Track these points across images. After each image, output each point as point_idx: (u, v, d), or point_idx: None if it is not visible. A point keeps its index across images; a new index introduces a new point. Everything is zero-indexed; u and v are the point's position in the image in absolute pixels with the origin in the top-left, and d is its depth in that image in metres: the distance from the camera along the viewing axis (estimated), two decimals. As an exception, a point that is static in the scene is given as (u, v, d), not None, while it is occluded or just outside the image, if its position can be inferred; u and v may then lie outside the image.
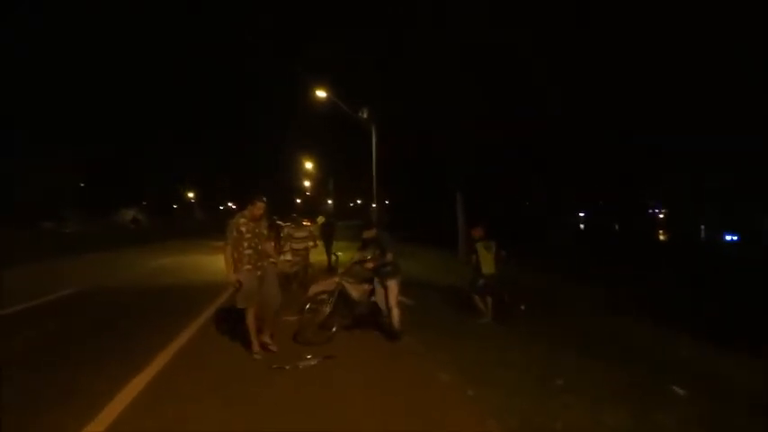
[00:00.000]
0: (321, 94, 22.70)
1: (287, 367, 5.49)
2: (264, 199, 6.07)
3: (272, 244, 6.30)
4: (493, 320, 8.11)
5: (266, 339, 6.08)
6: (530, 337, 7.08)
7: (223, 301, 9.48)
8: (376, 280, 6.91)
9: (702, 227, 44.47)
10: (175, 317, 8.04)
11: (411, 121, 21.64)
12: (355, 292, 7.32)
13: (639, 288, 13.72)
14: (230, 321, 7.49)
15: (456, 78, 17.87)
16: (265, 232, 6.17)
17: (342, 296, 7.10)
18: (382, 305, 6.82)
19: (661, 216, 50.68)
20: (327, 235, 15.84)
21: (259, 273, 5.96)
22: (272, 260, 6.46)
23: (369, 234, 6.82)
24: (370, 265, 6.75)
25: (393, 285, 6.64)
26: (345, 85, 23.63)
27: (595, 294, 11.40)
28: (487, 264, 8.32)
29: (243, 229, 5.93)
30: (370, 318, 7.11)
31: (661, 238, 47.44)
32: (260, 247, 6.01)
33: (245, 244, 5.91)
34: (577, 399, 4.77)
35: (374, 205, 23.22)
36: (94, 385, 4.97)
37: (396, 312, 6.62)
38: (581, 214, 50.44)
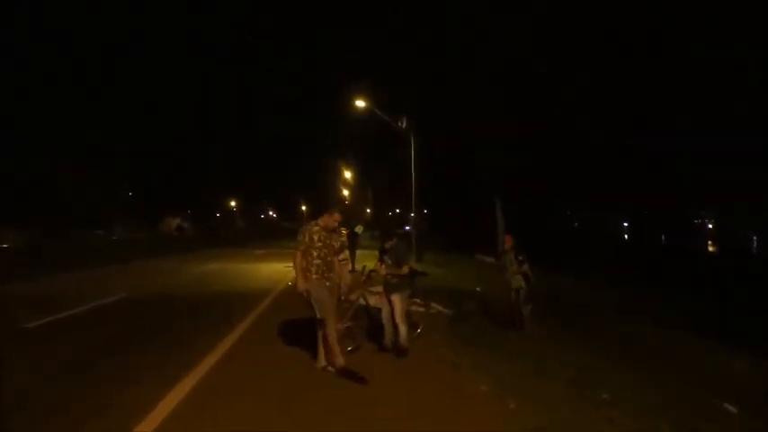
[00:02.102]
0: (360, 103, 22.94)
1: (330, 369, 5.56)
2: (340, 210, 5.96)
3: (341, 257, 6.10)
4: (520, 332, 8.02)
5: (323, 361, 5.83)
6: (571, 349, 6.94)
7: (264, 309, 9.66)
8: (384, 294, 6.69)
9: (755, 238, 42.56)
10: (218, 323, 8.22)
11: (450, 130, 21.64)
12: (373, 299, 7.35)
13: (685, 302, 13.26)
14: (272, 328, 7.65)
15: (495, 90, 17.84)
16: (336, 245, 5.97)
17: (364, 306, 7.16)
18: (387, 321, 6.57)
19: (710, 226, 48.77)
20: (351, 243, 16.34)
21: (327, 284, 5.75)
22: (348, 268, 6.37)
23: (388, 244, 6.74)
24: (383, 271, 6.63)
25: (397, 300, 6.38)
26: (385, 94, 23.83)
27: (638, 307, 11.08)
28: (512, 276, 8.32)
29: (315, 237, 5.77)
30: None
31: (710, 249, 45.63)
32: (329, 259, 5.81)
33: (315, 253, 5.74)
34: (621, 413, 4.65)
35: (412, 214, 23.23)
36: (135, 396, 5.11)
37: (403, 329, 6.38)
38: (625, 224, 49.02)
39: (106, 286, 12.99)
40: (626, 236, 48.40)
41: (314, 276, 5.68)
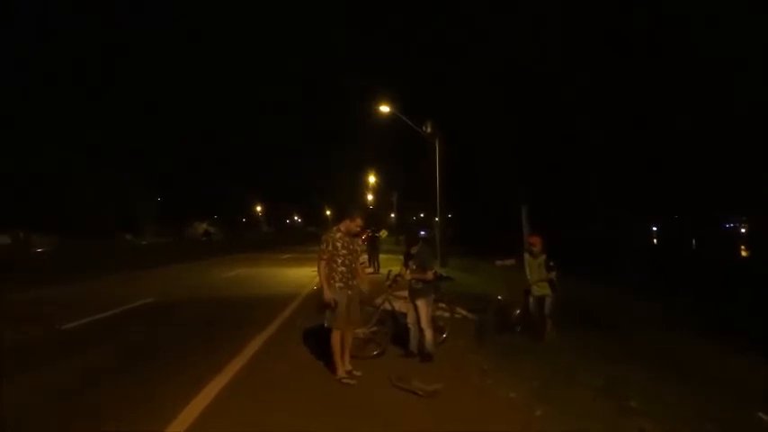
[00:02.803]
0: (384, 108, 23.01)
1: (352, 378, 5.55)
2: (361, 215, 5.86)
3: (362, 263, 6.04)
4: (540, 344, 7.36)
5: (348, 366, 5.75)
6: (600, 358, 6.79)
7: (290, 313, 9.74)
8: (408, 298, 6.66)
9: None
10: (244, 326, 8.30)
11: (474, 135, 21.54)
12: (398, 304, 7.33)
13: (715, 311, 12.90)
14: (298, 332, 7.72)
15: (517, 94, 17.75)
16: (359, 250, 5.95)
17: (389, 311, 7.15)
18: (412, 326, 6.53)
19: (743, 230, 47.39)
20: (372, 247, 16.52)
21: (350, 292, 5.67)
22: (368, 272, 6.35)
23: (413, 249, 6.72)
24: (408, 276, 6.61)
25: (422, 305, 6.36)
26: (409, 99, 23.87)
27: (669, 316, 10.78)
28: (537, 282, 7.52)
29: (338, 244, 5.67)
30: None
31: (743, 254, 44.31)
32: (354, 266, 5.75)
33: (339, 260, 5.64)
34: (654, 424, 4.54)
35: (437, 219, 23.15)
36: (164, 398, 5.18)
37: (428, 334, 6.35)
38: (653, 228, 47.96)
39: (136, 290, 13.23)
40: (655, 240, 47.40)
41: (338, 285, 5.61)
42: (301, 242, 48.73)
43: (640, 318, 10.11)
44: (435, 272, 6.91)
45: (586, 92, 17.77)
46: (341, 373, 5.62)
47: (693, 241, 44.50)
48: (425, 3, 22.93)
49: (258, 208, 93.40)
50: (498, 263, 8.47)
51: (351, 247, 5.74)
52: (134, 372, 6.03)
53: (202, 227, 68.00)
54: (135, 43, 77.10)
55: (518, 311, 7.97)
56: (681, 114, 18.89)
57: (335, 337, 5.61)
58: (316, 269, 7.05)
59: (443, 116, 21.19)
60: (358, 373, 5.66)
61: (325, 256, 5.66)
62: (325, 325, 5.66)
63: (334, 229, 5.86)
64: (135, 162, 49.81)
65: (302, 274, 17.29)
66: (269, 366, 6.17)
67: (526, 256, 7.71)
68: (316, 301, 9.37)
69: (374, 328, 7.01)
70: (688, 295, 13.72)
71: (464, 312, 9.26)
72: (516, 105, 18.07)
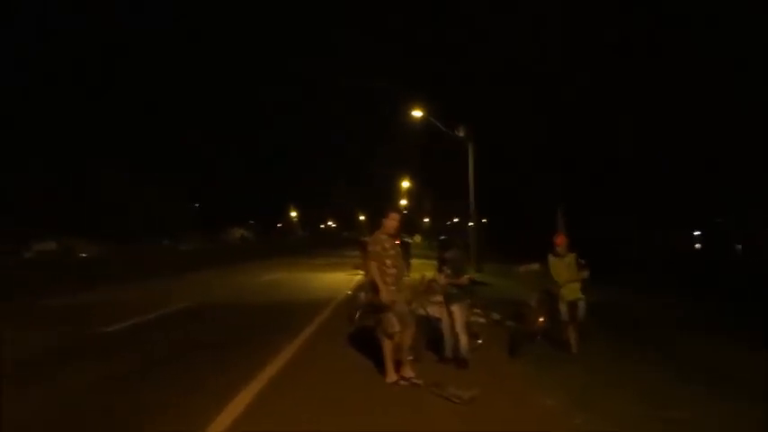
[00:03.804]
0: (417, 113, 22.96)
1: (403, 382, 5.51)
2: (398, 211, 5.83)
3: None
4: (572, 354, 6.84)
5: (410, 373, 5.62)
6: (639, 365, 6.58)
7: (327, 317, 9.78)
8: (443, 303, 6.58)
9: None
10: (281, 331, 8.37)
11: (508, 139, 21.34)
12: (432, 309, 7.25)
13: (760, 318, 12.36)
14: (335, 336, 7.74)
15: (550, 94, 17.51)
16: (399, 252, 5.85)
17: (423, 316, 7.08)
18: (447, 331, 6.44)
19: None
20: (403, 252, 16.32)
21: (400, 294, 5.65)
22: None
23: (448, 254, 6.65)
24: (444, 281, 6.54)
25: (458, 310, 6.26)
26: (443, 102, 23.82)
27: (711, 323, 10.33)
28: (566, 284, 6.85)
29: (387, 245, 5.61)
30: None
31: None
32: (401, 267, 5.71)
33: (389, 262, 5.56)
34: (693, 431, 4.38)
35: (471, 224, 22.95)
36: (204, 397, 5.24)
37: (464, 339, 6.25)
38: (696, 233, 46.34)
39: (174, 294, 13.53)
40: (697, 245, 45.79)
41: (391, 288, 5.52)
42: (336, 247, 48.99)
43: (680, 324, 9.75)
44: (470, 277, 6.83)
45: (625, 92, 17.43)
46: (392, 377, 5.54)
47: (739, 246, 42.76)
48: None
49: (293, 213, 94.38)
50: (522, 269, 7.57)
51: (397, 248, 5.71)
52: (171, 374, 6.15)
53: (238, 232, 69.01)
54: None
55: (541, 319, 7.16)
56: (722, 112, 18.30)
57: (390, 342, 5.53)
58: (350, 273, 7.01)
59: (476, 120, 21.06)
60: (419, 381, 5.50)
61: (375, 258, 5.58)
62: (380, 333, 5.56)
63: (377, 232, 5.79)
64: (171, 168, 50.84)
65: (337, 279, 17.35)
66: (306, 370, 6.20)
67: (550, 258, 7.04)
68: (347, 308, 9.40)
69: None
70: (731, 301, 13.21)
71: (499, 318, 9.13)
72: (549, 106, 17.85)
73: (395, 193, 55.30)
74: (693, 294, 13.66)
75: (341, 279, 16.92)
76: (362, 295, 9.40)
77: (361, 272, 9.60)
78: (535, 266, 7.22)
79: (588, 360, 6.61)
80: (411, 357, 6.35)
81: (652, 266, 21.06)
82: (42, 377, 6.06)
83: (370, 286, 5.86)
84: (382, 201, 53.64)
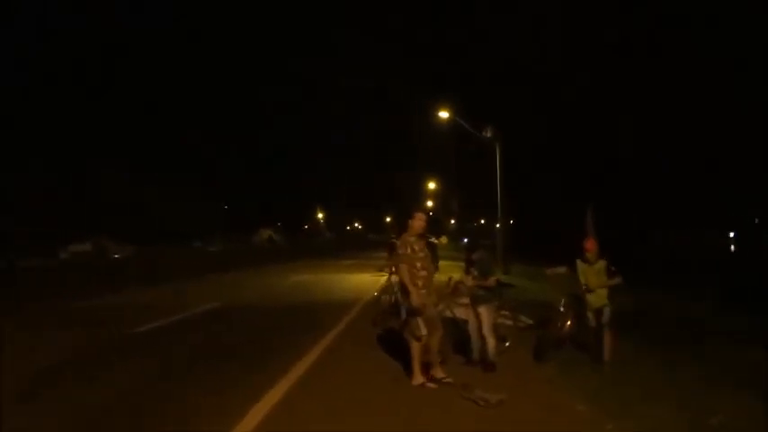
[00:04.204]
0: (444, 114, 22.86)
1: (430, 384, 5.47)
2: (424, 210, 5.74)
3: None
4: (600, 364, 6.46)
5: (441, 373, 5.59)
6: (674, 371, 6.38)
7: (353, 318, 9.81)
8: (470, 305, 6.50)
9: None
10: (309, 331, 8.39)
11: (536, 138, 21.10)
12: (459, 311, 7.18)
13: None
14: (362, 337, 7.75)
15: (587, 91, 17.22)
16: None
17: (450, 318, 7.02)
18: (474, 333, 6.35)
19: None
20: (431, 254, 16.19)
21: (430, 297, 5.61)
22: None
23: (475, 255, 6.58)
24: (471, 283, 6.46)
25: (485, 312, 6.17)
26: (470, 104, 23.68)
27: (748, 328, 9.97)
28: (595, 291, 6.49)
29: (416, 247, 5.56)
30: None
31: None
32: (431, 269, 5.66)
33: (419, 264, 5.50)
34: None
35: (498, 226, 22.75)
36: (232, 398, 5.29)
37: (491, 342, 6.14)
38: (731, 234, 45.05)
39: (203, 295, 13.73)
40: (732, 247, 44.52)
41: (422, 291, 5.47)
42: (362, 248, 49.12)
43: (716, 329, 9.44)
44: (497, 278, 6.75)
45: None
46: (419, 379, 5.50)
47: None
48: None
49: (320, 215, 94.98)
50: (548, 272, 7.22)
51: (426, 250, 5.65)
52: (199, 374, 6.22)
53: (267, 233, 69.72)
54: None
55: (568, 323, 6.74)
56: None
57: (417, 344, 5.48)
58: (374, 275, 6.99)
59: (504, 120, 20.88)
60: (450, 380, 5.49)
61: (405, 260, 5.52)
62: (408, 335, 5.53)
63: (405, 234, 5.73)
64: (201, 170, 51.54)
65: (363, 280, 17.38)
66: (333, 371, 6.21)
67: (579, 263, 6.69)
68: (373, 311, 9.39)
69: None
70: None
71: (528, 321, 9.02)
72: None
73: (421, 195, 55.16)
74: (727, 298, 13.24)
75: (367, 280, 16.92)
76: (385, 298, 9.39)
77: (385, 273, 9.54)
78: (562, 270, 6.94)
79: (618, 366, 6.44)
80: (440, 359, 6.33)
81: (685, 268, 20.54)
82: (72, 381, 6.16)
83: (401, 288, 5.82)
84: (408, 202, 53.62)
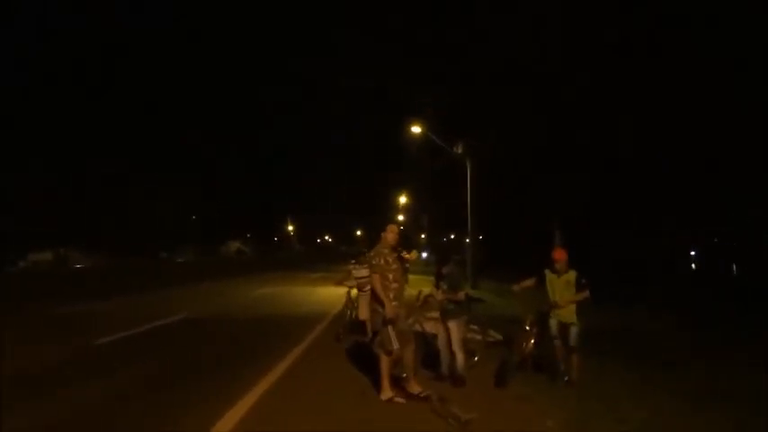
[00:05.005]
0: (416, 129, 23.00)
1: (399, 399, 5.39)
2: (396, 223, 5.73)
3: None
4: (566, 383, 6.21)
5: (416, 388, 5.55)
6: (643, 389, 6.39)
7: (320, 332, 9.67)
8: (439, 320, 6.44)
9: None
10: (275, 345, 8.24)
11: (506, 155, 21.35)
12: (429, 325, 7.16)
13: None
14: (329, 352, 7.64)
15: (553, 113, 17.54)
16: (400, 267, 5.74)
17: (419, 332, 6.97)
18: (443, 348, 6.27)
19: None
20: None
21: (401, 310, 5.56)
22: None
23: (444, 269, 6.57)
24: (440, 296, 6.44)
25: (454, 326, 6.14)
26: (442, 119, 23.90)
27: (717, 346, 10.11)
28: (561, 304, 6.28)
29: (389, 259, 5.54)
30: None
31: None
32: (402, 282, 5.65)
33: (391, 276, 5.49)
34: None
35: (468, 240, 22.91)
36: (201, 413, 5.13)
37: (460, 356, 6.10)
38: (692, 253, 46.12)
39: (169, 306, 13.38)
40: (693, 266, 45.61)
41: (394, 303, 5.42)
42: (332, 261, 48.83)
43: (684, 347, 9.58)
44: (466, 293, 6.74)
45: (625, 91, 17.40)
46: (387, 393, 5.42)
47: (734, 267, 42.61)
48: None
49: (290, 227, 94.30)
50: (516, 288, 6.80)
51: (398, 262, 5.63)
52: (165, 387, 6.01)
53: (235, 245, 68.95)
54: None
55: (531, 342, 6.47)
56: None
57: (387, 358, 5.42)
58: (345, 288, 6.92)
59: (477, 135, 21.08)
60: (428, 393, 5.43)
61: (378, 270, 5.49)
62: (378, 348, 5.45)
63: (379, 245, 5.70)
64: (171, 168, 50.69)
65: (333, 293, 17.21)
66: (301, 384, 6.09)
67: (548, 273, 6.47)
68: (336, 327, 9.25)
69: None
70: (731, 322, 13.08)
71: (497, 336, 9.03)
72: (545, 113, 17.91)
73: (392, 208, 55.26)
74: (706, 318, 13.47)
75: (336, 293, 16.76)
76: (347, 312, 9.25)
77: (346, 286, 9.32)
78: (530, 282, 6.65)
79: (585, 384, 6.45)
80: (405, 374, 6.23)
81: (652, 283, 20.88)
82: (43, 391, 5.90)
83: (373, 300, 5.72)
84: (380, 216, 53.66)
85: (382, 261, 5.52)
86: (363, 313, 7.21)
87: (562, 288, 6.30)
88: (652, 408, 5.52)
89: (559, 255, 6.42)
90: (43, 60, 55.20)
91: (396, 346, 5.35)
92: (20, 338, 9.28)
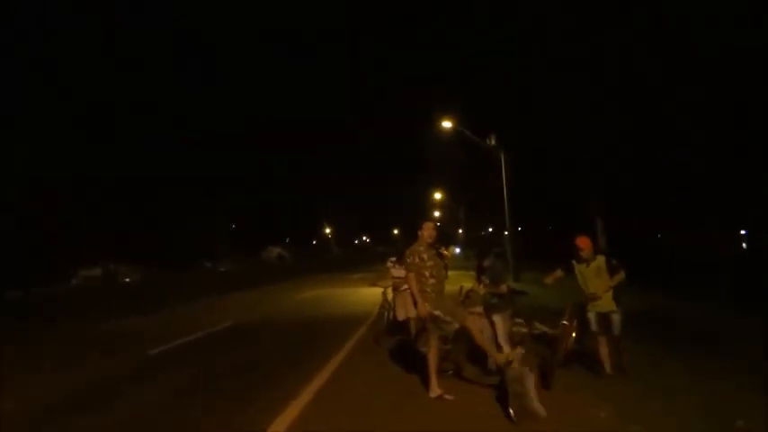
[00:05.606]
0: (447, 124, 22.90)
1: (448, 396, 5.41)
2: (432, 220, 5.78)
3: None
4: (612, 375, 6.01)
5: (437, 390, 5.52)
6: (696, 375, 6.24)
7: (365, 332, 9.77)
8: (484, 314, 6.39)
9: None
10: (321, 347, 8.38)
11: (543, 145, 21.05)
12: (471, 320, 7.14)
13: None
14: (374, 350, 7.73)
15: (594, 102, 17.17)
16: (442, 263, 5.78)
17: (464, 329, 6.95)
18: (488, 342, 6.06)
19: None
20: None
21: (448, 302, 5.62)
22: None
23: (485, 263, 6.53)
24: (483, 290, 6.40)
25: (499, 321, 6.15)
26: (474, 111, 23.74)
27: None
28: (596, 293, 5.98)
29: (424, 256, 5.58)
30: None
31: None
32: (442, 278, 5.66)
33: (427, 273, 5.53)
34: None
35: (506, 233, 22.68)
36: (255, 415, 5.28)
37: (507, 350, 6.04)
38: (742, 232, 44.21)
39: (216, 315, 13.72)
40: (744, 245, 43.71)
41: (431, 295, 5.48)
42: (370, 262, 49.02)
43: (739, 334, 9.27)
44: (509, 286, 6.71)
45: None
46: (436, 391, 5.45)
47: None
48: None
49: (327, 230, 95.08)
50: (547, 280, 6.48)
51: (436, 259, 5.64)
52: (217, 393, 6.19)
53: (275, 251, 69.78)
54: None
55: (567, 341, 6.38)
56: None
57: (434, 353, 5.49)
58: (381, 287, 7.02)
59: (511, 127, 20.88)
60: (450, 397, 5.42)
61: (413, 269, 5.56)
62: (422, 346, 5.58)
63: (416, 244, 5.74)
64: (207, 190, 51.61)
65: (373, 293, 17.26)
66: (353, 383, 6.24)
67: (575, 264, 6.19)
68: (375, 329, 9.29)
69: (449, 346, 6.86)
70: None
71: (543, 328, 8.93)
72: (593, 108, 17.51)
73: (428, 205, 55.15)
74: (740, 301, 13.04)
75: (375, 293, 16.88)
76: (386, 314, 9.25)
77: (381, 287, 9.32)
78: (559, 274, 6.39)
79: (642, 371, 6.31)
80: (451, 371, 6.24)
81: (697, 269, 20.21)
82: (100, 403, 6.12)
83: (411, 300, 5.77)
84: (415, 214, 53.60)
85: (417, 259, 5.57)
86: (401, 313, 7.24)
87: (593, 276, 6.01)
88: (707, 393, 5.40)
89: (583, 242, 6.09)
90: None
91: (434, 342, 5.43)
92: (79, 352, 9.69)
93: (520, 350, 6.15)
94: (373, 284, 9.74)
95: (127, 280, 35.33)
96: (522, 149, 21.25)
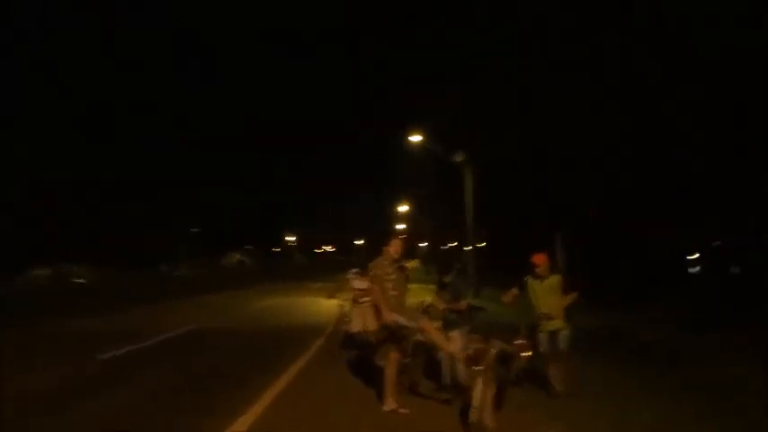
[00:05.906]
0: (415, 138, 23.00)
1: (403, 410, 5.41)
2: (400, 237, 5.82)
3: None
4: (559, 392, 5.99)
5: (392, 404, 5.52)
6: (645, 390, 6.41)
7: (323, 343, 9.69)
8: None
9: None
10: (279, 355, 8.28)
11: (505, 159, 21.36)
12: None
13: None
14: (330, 363, 7.69)
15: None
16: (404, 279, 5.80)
17: (421, 343, 6.98)
18: (445, 358, 6.14)
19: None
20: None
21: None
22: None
23: (446, 278, 6.58)
24: (442, 306, 6.44)
25: (457, 337, 6.16)
26: (441, 126, 23.93)
27: (722, 349, 10.05)
28: (549, 309, 6.00)
29: (389, 270, 5.63)
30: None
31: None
32: (403, 292, 5.69)
33: (390, 285, 5.57)
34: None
35: (470, 247, 22.91)
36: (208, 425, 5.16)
37: (461, 367, 5.94)
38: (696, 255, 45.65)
39: (170, 320, 13.37)
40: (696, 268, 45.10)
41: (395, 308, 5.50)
42: (332, 271, 48.73)
43: (687, 351, 9.56)
44: (468, 302, 6.75)
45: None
46: (391, 404, 5.44)
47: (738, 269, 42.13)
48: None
49: (290, 238, 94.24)
50: (504, 299, 6.48)
51: (398, 272, 5.66)
52: (174, 400, 6.05)
53: (236, 257, 68.75)
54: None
55: (520, 360, 6.17)
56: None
57: (392, 366, 5.50)
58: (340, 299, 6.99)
59: (476, 141, 21.13)
60: (405, 410, 5.41)
61: (376, 282, 5.57)
62: (381, 359, 5.55)
63: (380, 257, 5.75)
64: (170, 192, 50.66)
65: (334, 303, 17.21)
66: (309, 393, 6.22)
67: (529, 280, 6.17)
68: (336, 337, 9.24)
69: (407, 360, 6.84)
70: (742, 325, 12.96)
71: (500, 344, 8.99)
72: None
73: (392, 218, 55.25)
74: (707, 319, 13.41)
75: (336, 304, 16.81)
76: (344, 328, 9.13)
77: (339, 299, 9.25)
78: (514, 292, 6.32)
79: (593, 388, 6.43)
80: (408, 385, 6.23)
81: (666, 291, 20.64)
82: (52, 408, 5.82)
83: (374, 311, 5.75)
84: (382, 224, 53.63)
85: (381, 271, 5.59)
86: (357, 325, 7.19)
87: (546, 294, 6.03)
88: (655, 411, 5.53)
89: (539, 259, 6.10)
90: (43, 60, 54.49)
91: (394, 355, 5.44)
92: (30, 354, 9.21)
93: (482, 366, 6.20)
94: (331, 296, 9.57)
95: (79, 281, 34.15)
96: (492, 165, 21.47)
